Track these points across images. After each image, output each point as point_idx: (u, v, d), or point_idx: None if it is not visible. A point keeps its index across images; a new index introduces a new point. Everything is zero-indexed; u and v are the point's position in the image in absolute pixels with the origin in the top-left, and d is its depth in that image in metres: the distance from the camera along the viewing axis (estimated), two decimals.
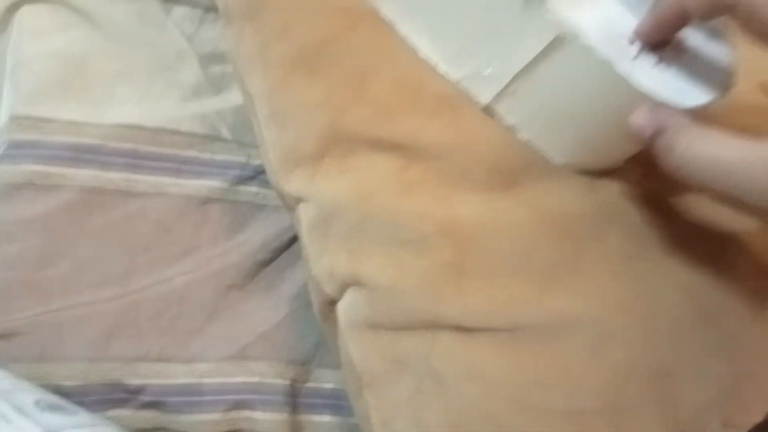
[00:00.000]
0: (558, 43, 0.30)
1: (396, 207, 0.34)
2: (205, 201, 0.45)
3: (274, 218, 0.45)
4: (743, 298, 0.35)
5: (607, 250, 0.34)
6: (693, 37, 0.31)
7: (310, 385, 0.43)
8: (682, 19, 0.29)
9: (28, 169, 0.43)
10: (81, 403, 0.37)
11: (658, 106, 0.28)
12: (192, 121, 0.46)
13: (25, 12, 0.47)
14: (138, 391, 0.40)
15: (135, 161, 0.44)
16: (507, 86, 0.33)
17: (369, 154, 0.35)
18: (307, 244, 0.37)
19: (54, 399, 0.36)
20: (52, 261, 0.42)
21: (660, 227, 0.34)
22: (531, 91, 0.33)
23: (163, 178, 0.45)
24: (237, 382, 0.41)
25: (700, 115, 0.29)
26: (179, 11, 0.50)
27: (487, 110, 0.35)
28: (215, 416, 0.40)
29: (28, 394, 0.34)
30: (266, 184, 0.44)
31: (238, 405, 0.41)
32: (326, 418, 0.43)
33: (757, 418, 0.38)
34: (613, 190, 0.34)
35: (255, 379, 0.41)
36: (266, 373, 0.41)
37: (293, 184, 0.37)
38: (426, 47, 0.36)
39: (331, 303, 0.36)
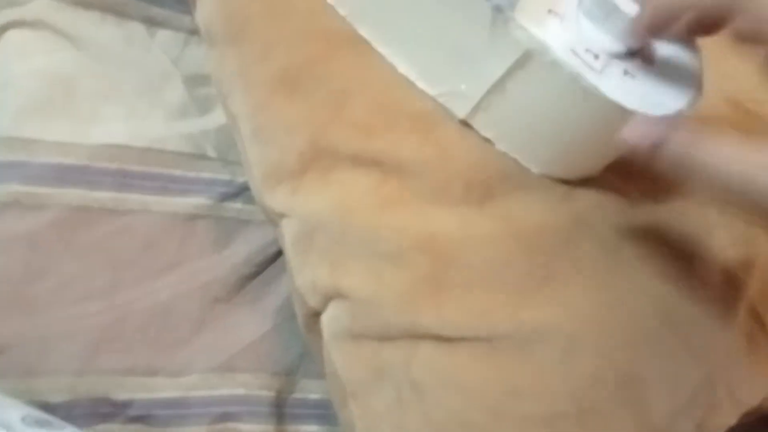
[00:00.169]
0: (526, 58, 0.31)
1: (375, 221, 0.35)
2: (192, 217, 0.45)
3: (258, 233, 0.46)
4: (711, 306, 0.36)
5: (578, 261, 0.35)
6: (660, 47, 0.31)
7: (295, 395, 0.43)
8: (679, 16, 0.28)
9: (14, 189, 0.43)
10: (68, 418, 0.37)
11: (649, 118, 0.28)
12: (178, 140, 0.47)
13: (12, 35, 0.48)
14: (125, 405, 0.40)
15: (122, 180, 0.45)
16: (480, 102, 0.34)
17: (349, 171, 0.36)
18: (291, 258, 0.38)
19: (41, 415, 0.36)
20: (38, 277, 0.42)
21: (631, 237, 0.35)
22: (504, 106, 0.34)
23: (150, 196, 0.45)
24: (223, 394, 0.41)
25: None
26: (164, 34, 0.51)
27: (465, 123, 0.36)
28: (201, 429, 0.41)
29: (15, 410, 0.34)
30: (251, 200, 0.45)
31: (224, 417, 0.41)
32: (312, 428, 0.43)
33: (731, 421, 0.39)
34: (587, 201, 0.35)
35: (241, 391, 0.42)
36: (251, 385, 0.42)
37: (276, 199, 0.38)
38: (403, 66, 0.37)
39: (315, 315, 0.37)
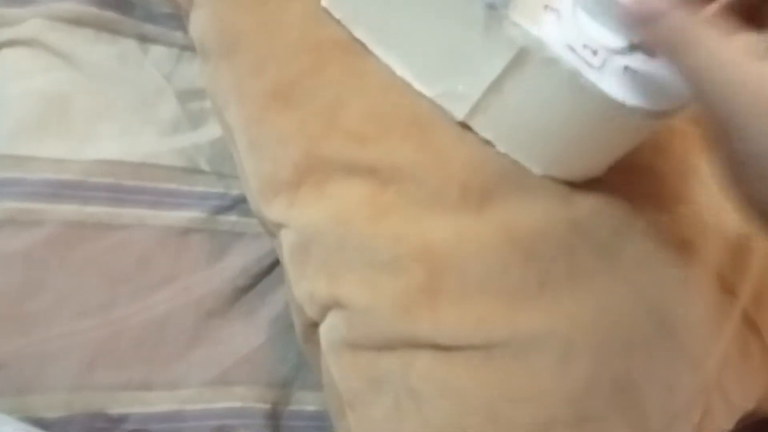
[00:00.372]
0: (522, 56, 0.30)
1: (371, 231, 0.35)
2: (186, 231, 0.45)
3: (253, 245, 0.45)
4: (706, 311, 0.37)
5: (574, 267, 0.35)
6: None
7: (291, 408, 0.43)
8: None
9: (9, 206, 0.43)
10: None
11: None
12: (171, 155, 0.47)
13: (6, 54, 0.48)
14: (121, 419, 0.40)
15: (116, 195, 0.45)
16: (478, 102, 0.34)
17: (344, 181, 0.36)
18: (289, 269, 0.38)
19: (36, 431, 0.35)
20: (34, 294, 0.42)
21: (627, 243, 0.36)
22: (503, 106, 0.33)
23: (144, 210, 0.45)
24: (219, 407, 0.41)
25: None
26: (157, 51, 0.51)
27: (464, 125, 0.36)
28: None
29: (10, 427, 0.34)
30: (245, 212, 0.45)
31: (221, 430, 0.41)
32: None
33: (726, 425, 0.39)
34: (586, 206, 0.35)
35: (237, 404, 0.41)
36: (247, 397, 0.42)
37: (273, 211, 0.38)
38: (399, 67, 0.37)
39: (313, 325, 0.37)
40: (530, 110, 0.33)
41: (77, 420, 0.39)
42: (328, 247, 0.35)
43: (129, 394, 0.40)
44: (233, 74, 0.39)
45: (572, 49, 0.29)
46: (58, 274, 0.42)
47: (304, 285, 0.37)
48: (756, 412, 0.40)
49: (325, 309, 0.36)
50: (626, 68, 0.29)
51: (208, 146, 0.48)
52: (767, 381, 0.40)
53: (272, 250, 0.43)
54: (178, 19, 0.51)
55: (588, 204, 0.35)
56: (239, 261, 0.45)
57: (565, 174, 0.35)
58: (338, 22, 0.38)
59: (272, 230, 0.39)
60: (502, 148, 0.35)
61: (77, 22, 0.49)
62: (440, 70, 0.35)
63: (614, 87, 0.28)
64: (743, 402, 0.39)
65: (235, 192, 0.47)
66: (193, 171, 0.47)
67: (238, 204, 0.46)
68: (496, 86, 0.32)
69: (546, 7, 0.30)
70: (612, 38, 0.29)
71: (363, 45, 0.38)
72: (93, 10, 0.50)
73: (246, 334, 0.43)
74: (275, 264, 0.45)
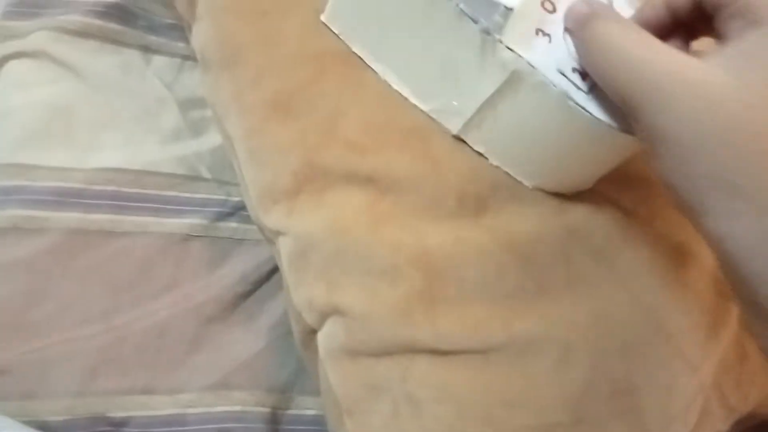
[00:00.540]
0: (515, 79, 0.31)
1: (369, 238, 0.35)
2: (187, 238, 0.46)
3: (253, 252, 0.46)
4: (701, 316, 0.37)
5: (571, 272, 0.35)
6: None
7: (291, 412, 0.43)
8: (667, 18, 0.28)
9: (14, 213, 0.44)
10: None
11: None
12: (172, 162, 0.48)
13: (13, 65, 0.49)
14: (123, 423, 0.40)
15: (118, 202, 0.45)
16: (472, 119, 0.34)
17: (343, 189, 0.36)
18: (288, 276, 0.38)
19: None
20: (37, 301, 0.42)
21: (622, 249, 0.36)
22: (495, 123, 0.34)
23: (146, 217, 0.46)
24: (219, 411, 0.42)
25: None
26: (159, 61, 0.52)
27: (459, 138, 0.36)
28: None
29: (13, 431, 0.35)
30: (245, 219, 0.46)
31: None
32: None
33: (723, 428, 0.39)
34: (580, 212, 0.36)
35: (237, 408, 0.42)
36: (247, 402, 0.42)
37: (272, 219, 0.38)
38: (396, 82, 0.37)
39: (312, 332, 0.37)
40: (521, 129, 0.33)
41: (80, 424, 0.40)
42: (327, 254, 0.36)
43: (131, 398, 0.41)
44: (233, 85, 0.40)
45: (562, 72, 0.30)
46: (61, 282, 0.43)
47: (302, 292, 0.37)
48: (754, 416, 0.41)
49: (324, 316, 0.36)
50: None
51: (209, 154, 0.49)
52: (765, 384, 0.40)
53: (272, 257, 0.44)
54: (180, 30, 0.51)
55: (582, 210, 0.36)
56: (239, 267, 0.45)
57: (555, 187, 0.36)
58: (337, 35, 0.38)
59: (271, 238, 0.39)
60: (494, 161, 0.36)
61: (82, 33, 0.50)
62: (435, 87, 0.35)
63: (602, 110, 0.29)
64: (741, 405, 0.39)
65: (235, 199, 0.47)
66: (194, 178, 0.48)
67: (239, 211, 0.47)
68: (488, 105, 0.33)
69: (538, 31, 0.31)
70: None
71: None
72: (97, 22, 0.51)
73: (246, 340, 0.44)
74: (275, 270, 0.45)
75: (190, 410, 0.41)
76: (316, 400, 0.42)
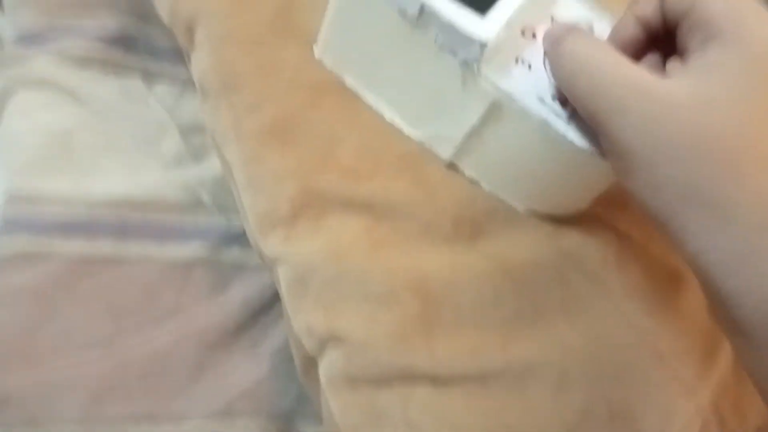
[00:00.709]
0: (496, 108, 0.31)
1: (366, 264, 0.36)
2: (189, 264, 0.46)
3: (255, 278, 0.46)
4: (696, 339, 0.37)
5: (565, 297, 0.35)
6: None
7: None
8: (641, 35, 0.28)
9: (19, 243, 0.44)
10: None
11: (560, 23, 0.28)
12: (174, 189, 0.48)
13: (16, 92, 0.49)
14: None
15: (121, 230, 0.45)
16: (461, 146, 0.35)
17: (340, 216, 0.37)
18: (287, 303, 0.38)
19: None
20: (41, 328, 0.42)
21: (616, 272, 0.36)
22: (483, 150, 0.35)
23: (149, 245, 0.46)
24: None
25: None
26: (160, 87, 0.52)
27: (451, 165, 0.37)
28: None
29: None
30: (248, 245, 0.45)
31: None
32: None
33: None
34: (575, 237, 0.36)
35: None
36: (250, 428, 0.42)
37: (271, 245, 0.38)
38: (387, 112, 0.38)
39: (312, 359, 0.37)
40: (508, 155, 0.34)
41: None
42: (325, 280, 0.36)
43: (134, 426, 0.41)
44: (232, 112, 0.40)
45: (542, 99, 0.30)
46: (65, 308, 0.43)
47: (302, 319, 0.37)
48: None
49: (323, 343, 0.36)
50: None
51: (211, 180, 0.49)
52: (763, 407, 0.40)
53: (274, 284, 0.44)
54: (181, 54, 0.52)
55: (576, 234, 0.36)
56: (242, 294, 0.46)
57: (547, 211, 0.36)
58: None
59: (270, 264, 0.40)
60: (486, 186, 0.36)
61: (84, 60, 0.51)
62: (424, 116, 0.36)
63: (583, 135, 0.30)
64: (740, 428, 0.39)
65: (237, 225, 0.47)
66: (196, 204, 0.48)
67: (241, 236, 0.47)
68: (475, 133, 0.34)
69: (518, 59, 0.31)
70: None
71: None
72: (100, 48, 0.51)
73: (249, 367, 0.44)
74: (277, 297, 0.45)
75: None
76: (318, 427, 0.42)
